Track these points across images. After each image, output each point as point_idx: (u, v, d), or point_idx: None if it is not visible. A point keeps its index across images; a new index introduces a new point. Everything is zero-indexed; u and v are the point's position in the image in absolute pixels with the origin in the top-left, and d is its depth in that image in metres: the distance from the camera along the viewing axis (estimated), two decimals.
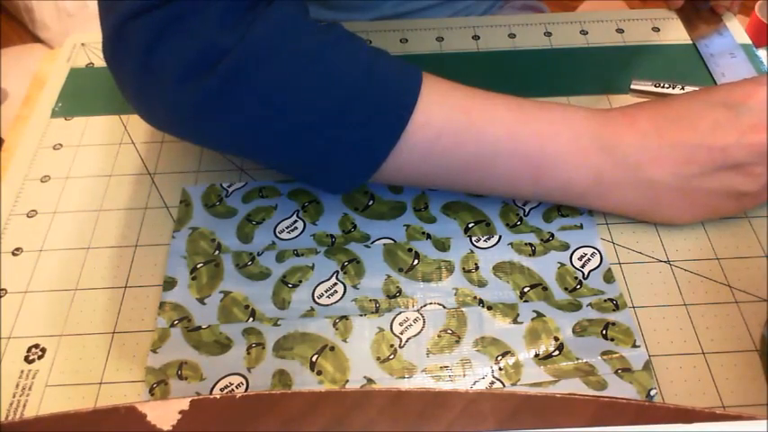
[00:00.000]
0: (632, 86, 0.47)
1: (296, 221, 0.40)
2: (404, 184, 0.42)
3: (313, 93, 0.33)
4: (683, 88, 0.46)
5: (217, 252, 0.39)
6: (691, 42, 0.51)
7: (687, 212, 0.38)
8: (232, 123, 0.34)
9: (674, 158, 0.36)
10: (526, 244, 0.39)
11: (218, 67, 0.32)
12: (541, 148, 0.36)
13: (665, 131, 0.36)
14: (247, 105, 0.33)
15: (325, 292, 0.37)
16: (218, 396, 0.30)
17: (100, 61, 0.52)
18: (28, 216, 0.42)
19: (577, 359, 0.34)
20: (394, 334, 0.35)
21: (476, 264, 0.38)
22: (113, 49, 0.35)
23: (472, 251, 0.39)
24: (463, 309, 0.36)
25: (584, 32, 0.52)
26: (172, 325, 0.36)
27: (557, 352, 0.34)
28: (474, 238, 0.39)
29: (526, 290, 0.37)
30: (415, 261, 0.38)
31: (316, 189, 0.42)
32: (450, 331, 0.35)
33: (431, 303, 0.36)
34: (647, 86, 0.47)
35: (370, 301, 0.37)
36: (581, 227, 0.39)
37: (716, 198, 0.37)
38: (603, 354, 0.34)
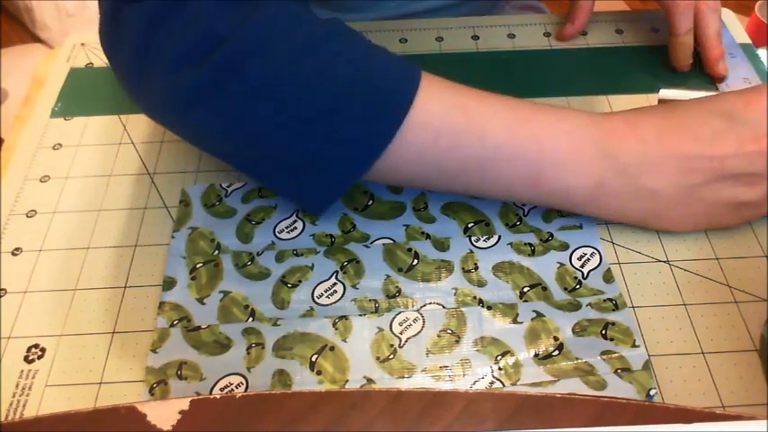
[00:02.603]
0: (660, 96, 0.44)
1: (295, 221, 0.40)
2: (399, 185, 0.42)
3: (306, 87, 0.33)
4: None
5: (216, 252, 0.39)
6: None
7: (688, 221, 0.38)
8: (223, 111, 0.34)
9: (674, 168, 0.36)
10: (526, 244, 0.39)
11: (212, 55, 0.32)
12: (540, 152, 0.35)
13: (667, 139, 0.36)
14: (238, 96, 0.33)
15: (325, 291, 0.37)
16: (218, 396, 0.30)
17: (100, 61, 0.52)
18: (28, 216, 0.42)
19: (577, 359, 0.34)
20: (393, 334, 0.35)
21: (475, 264, 0.38)
22: (110, 33, 0.36)
23: (472, 251, 0.39)
24: (463, 309, 0.36)
25: (584, 33, 0.52)
26: (171, 325, 0.36)
27: (556, 352, 0.34)
28: (473, 238, 0.39)
29: (526, 290, 0.37)
30: (415, 261, 0.38)
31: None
32: (449, 331, 0.35)
33: (430, 303, 0.36)
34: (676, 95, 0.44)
35: (370, 300, 0.37)
36: (581, 227, 0.39)
37: (716, 208, 0.37)
38: (603, 353, 0.34)
